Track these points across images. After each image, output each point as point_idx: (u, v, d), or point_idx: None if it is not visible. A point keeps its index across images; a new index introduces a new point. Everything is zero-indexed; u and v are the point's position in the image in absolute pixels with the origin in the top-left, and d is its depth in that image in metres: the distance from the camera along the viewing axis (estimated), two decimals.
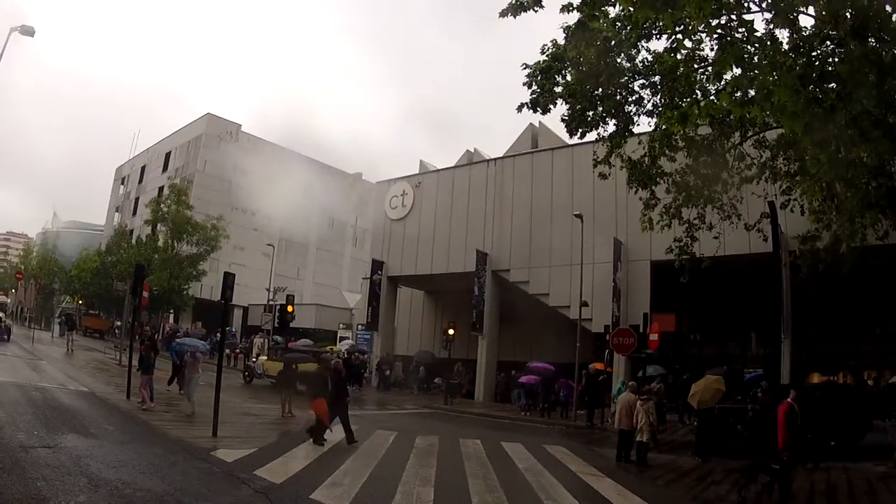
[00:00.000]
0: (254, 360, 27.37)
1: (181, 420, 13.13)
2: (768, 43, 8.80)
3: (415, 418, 19.11)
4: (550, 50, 10.69)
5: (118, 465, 8.33)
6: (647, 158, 12.47)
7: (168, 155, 55.67)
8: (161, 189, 49.48)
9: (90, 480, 7.32)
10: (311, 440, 11.04)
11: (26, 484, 6.74)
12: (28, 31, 14.54)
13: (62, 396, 14.03)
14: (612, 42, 10.09)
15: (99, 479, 7.40)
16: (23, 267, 70.37)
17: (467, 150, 33.47)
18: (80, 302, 54.32)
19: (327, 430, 11.37)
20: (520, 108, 10.83)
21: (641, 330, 19.51)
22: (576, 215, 21.74)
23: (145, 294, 32.50)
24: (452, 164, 32.62)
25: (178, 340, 18.61)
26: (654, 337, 18.95)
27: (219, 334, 19.98)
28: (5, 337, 26.07)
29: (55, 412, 11.82)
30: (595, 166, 12.31)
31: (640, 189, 13.03)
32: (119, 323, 37.04)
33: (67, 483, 7.09)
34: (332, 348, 30.71)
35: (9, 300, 59.32)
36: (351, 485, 8.60)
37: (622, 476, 10.60)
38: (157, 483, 7.76)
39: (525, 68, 10.77)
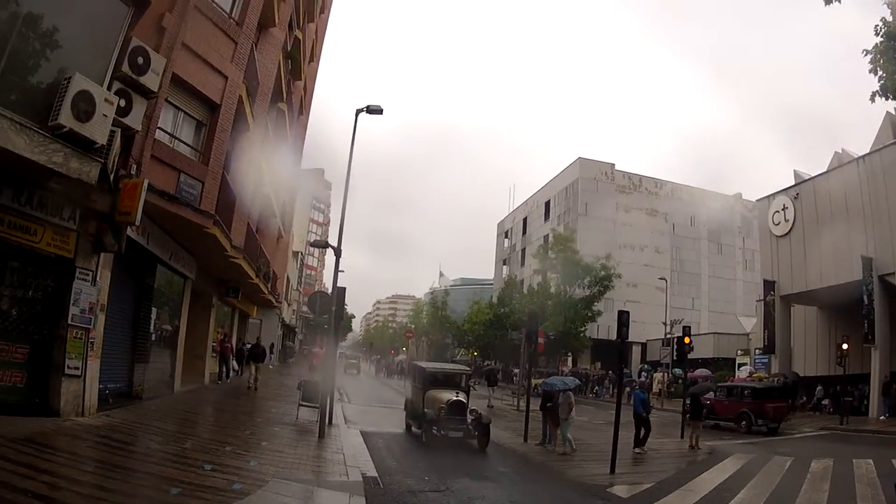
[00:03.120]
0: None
1: (580, 459, 15.78)
2: None
3: (810, 442, 22.33)
4: (883, 29, 11.54)
5: None
6: None
7: (547, 204, 71.86)
8: (546, 237, 63.67)
9: None
10: None
11: None
12: (375, 111, 17.40)
13: (453, 443, 16.72)
14: None
15: None
16: (413, 325, 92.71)
17: (835, 152, 38.40)
18: (475, 354, 70.88)
19: None
20: (872, 98, 11.77)
21: None
22: None
23: (541, 340, 44.10)
24: (824, 170, 37.15)
25: (545, 381, 21.17)
26: None
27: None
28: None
29: (447, 458, 14.81)
30: None
31: None
32: (517, 370, 48.17)
33: None
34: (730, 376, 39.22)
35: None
36: None
37: None
38: None
39: (865, 54, 11.74)
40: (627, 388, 39.08)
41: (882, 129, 35.08)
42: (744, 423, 24.81)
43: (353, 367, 57.96)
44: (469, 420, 16.38)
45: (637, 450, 16.90)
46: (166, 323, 18.57)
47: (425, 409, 16.48)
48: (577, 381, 23.29)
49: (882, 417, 28.86)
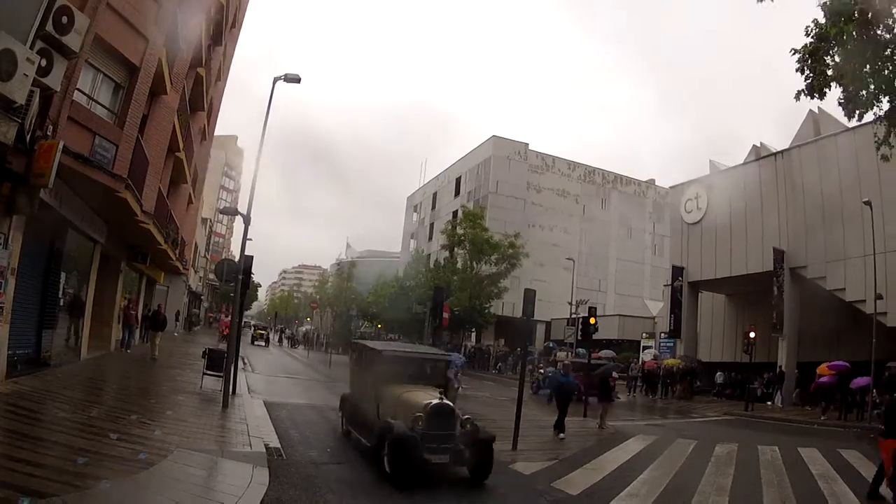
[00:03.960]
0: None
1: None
2: None
3: (715, 426, 22.78)
4: (814, 31, 11.77)
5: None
6: None
7: (458, 180, 72.27)
8: (455, 213, 64.75)
9: (383, 495, 9.44)
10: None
11: (314, 498, 8.68)
12: (293, 79, 17.02)
13: None
14: (870, 14, 11.13)
15: (392, 495, 9.41)
16: (318, 296, 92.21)
17: (754, 146, 39.38)
18: (380, 326, 71.01)
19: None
20: (797, 96, 12.07)
21: None
22: (864, 202, 26.07)
23: (445, 315, 44.53)
24: (741, 162, 38.40)
25: None
26: None
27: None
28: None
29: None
30: (877, 149, 13.54)
31: None
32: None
33: (358, 498, 9.24)
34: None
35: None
36: (647, 495, 10.48)
37: None
38: (452, 497, 9.86)
39: (794, 53, 11.97)
40: (530, 366, 40.19)
41: (804, 127, 35.97)
42: (576, 393, 26.45)
43: (261, 339, 56.21)
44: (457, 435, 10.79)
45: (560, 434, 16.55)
46: (75, 288, 18.12)
47: (389, 420, 10.78)
48: (463, 358, 22.97)
49: (769, 403, 30.62)
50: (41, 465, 7.47)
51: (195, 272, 55.85)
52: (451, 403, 11.09)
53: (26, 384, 12.55)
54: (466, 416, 11.12)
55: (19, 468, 7.20)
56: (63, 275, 16.41)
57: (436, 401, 10.74)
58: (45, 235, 14.91)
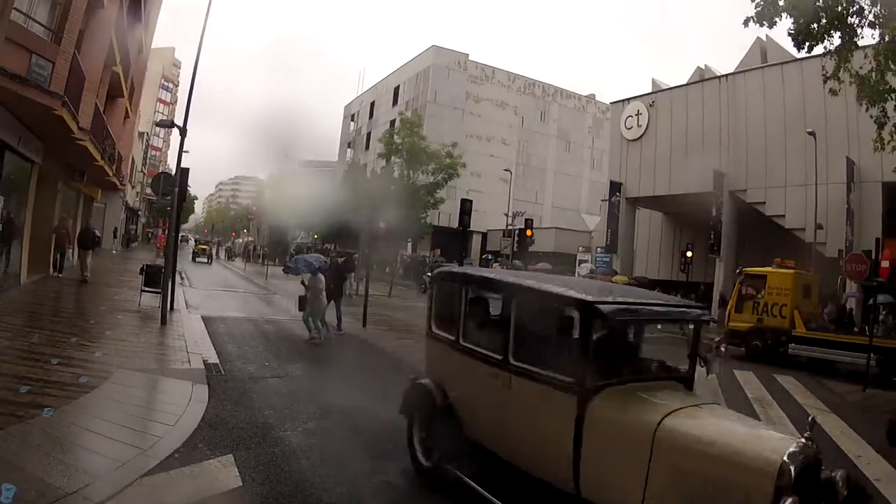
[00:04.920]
0: None
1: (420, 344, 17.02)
2: None
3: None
4: None
5: (350, 390, 10.40)
6: (874, 73, 13.36)
7: (397, 89, 70.97)
8: (393, 122, 63.67)
9: (319, 407, 9.28)
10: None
11: (253, 413, 8.62)
12: None
13: (295, 327, 16.70)
14: None
15: (329, 406, 9.32)
16: (255, 208, 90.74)
17: (698, 67, 39.71)
18: (315, 237, 70.48)
19: None
20: (746, 23, 12.08)
21: (873, 256, 21.22)
22: (808, 133, 26.33)
23: (382, 224, 44.10)
24: (684, 82, 38.31)
25: (296, 258, 21.33)
26: (885, 264, 19.87)
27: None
28: None
29: (287, 343, 14.78)
30: (825, 82, 13.67)
31: (869, 106, 13.88)
32: (356, 255, 48.85)
33: (295, 410, 9.01)
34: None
35: None
36: None
37: (847, 412, 11.76)
38: (387, 407, 9.34)
39: None
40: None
41: (750, 53, 36.03)
42: None
43: (203, 255, 52.10)
44: None
45: None
46: (13, 212, 17.40)
47: None
48: (323, 258, 19.07)
49: None
50: None
51: (132, 188, 54.14)
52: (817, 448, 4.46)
53: None
54: (841, 471, 4.61)
55: None
56: (1, 199, 15.76)
57: (796, 447, 4.28)
58: None
